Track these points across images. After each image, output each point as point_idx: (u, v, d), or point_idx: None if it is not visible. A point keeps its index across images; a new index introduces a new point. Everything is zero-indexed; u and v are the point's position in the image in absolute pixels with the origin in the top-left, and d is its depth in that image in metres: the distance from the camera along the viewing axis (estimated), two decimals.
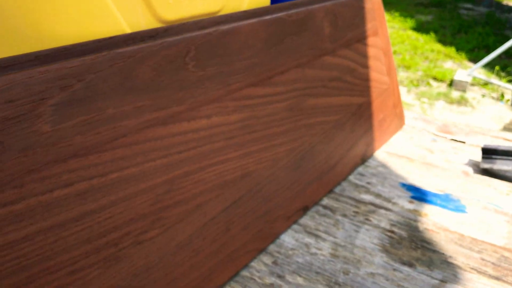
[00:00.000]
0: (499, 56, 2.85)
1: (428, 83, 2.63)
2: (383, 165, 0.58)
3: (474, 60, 2.95)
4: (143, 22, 0.33)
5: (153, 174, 0.31)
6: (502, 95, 2.46)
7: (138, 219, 0.31)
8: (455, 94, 2.50)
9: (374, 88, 0.60)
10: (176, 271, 0.33)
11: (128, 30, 0.32)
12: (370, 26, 0.59)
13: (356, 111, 0.56)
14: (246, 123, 0.39)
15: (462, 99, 2.43)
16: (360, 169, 0.57)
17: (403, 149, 0.62)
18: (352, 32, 0.55)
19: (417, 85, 2.61)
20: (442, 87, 2.59)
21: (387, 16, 4.08)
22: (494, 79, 2.58)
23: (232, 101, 0.38)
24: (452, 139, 0.65)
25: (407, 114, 0.73)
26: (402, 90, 2.55)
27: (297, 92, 0.45)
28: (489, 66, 2.79)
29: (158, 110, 0.32)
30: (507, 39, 3.17)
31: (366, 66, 0.58)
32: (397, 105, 0.66)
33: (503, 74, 2.74)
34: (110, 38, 0.29)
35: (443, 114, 2.30)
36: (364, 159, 0.58)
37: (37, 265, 0.25)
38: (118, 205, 0.29)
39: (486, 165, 0.56)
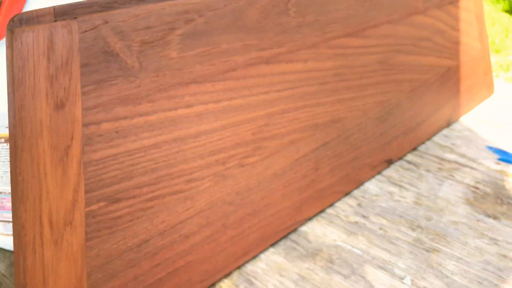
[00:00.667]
0: None
1: None
2: (469, 130, 0.57)
3: None
4: None
5: (255, 107, 0.35)
6: None
7: (242, 144, 0.34)
8: None
9: (464, 53, 0.60)
10: (271, 197, 0.37)
11: None
12: None
13: (444, 73, 0.56)
14: (339, 71, 0.42)
15: None
16: (445, 131, 0.57)
17: (491, 115, 0.61)
18: None
19: (507, 70, 2.45)
20: None
21: None
22: None
23: (328, 48, 0.40)
24: None
25: (498, 82, 0.71)
26: None
27: (388, 47, 0.47)
28: None
29: (262, 49, 0.35)
30: None
31: (457, 29, 0.58)
32: (487, 72, 0.65)
33: None
34: None
35: None
36: (449, 122, 0.58)
37: (163, 169, 0.30)
38: (227, 130, 0.33)
39: None
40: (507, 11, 3.38)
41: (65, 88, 0.25)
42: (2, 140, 0.31)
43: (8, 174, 0.33)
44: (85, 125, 0.26)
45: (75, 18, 0.25)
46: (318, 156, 0.41)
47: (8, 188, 0.33)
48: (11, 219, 0.34)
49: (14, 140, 0.24)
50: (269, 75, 0.36)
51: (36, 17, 0.24)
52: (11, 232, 0.35)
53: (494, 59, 2.62)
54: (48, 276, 0.26)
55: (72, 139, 0.26)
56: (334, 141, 0.42)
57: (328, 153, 0.42)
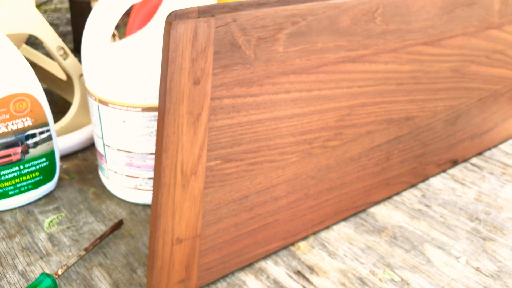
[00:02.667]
0: None
1: None
2: None
3: None
4: None
5: (340, 98, 0.41)
6: None
7: (326, 129, 0.41)
8: None
9: None
10: (346, 177, 0.43)
11: None
12: None
13: None
14: (415, 74, 0.47)
15: None
16: None
17: None
18: None
19: None
20: None
21: None
22: None
23: (406, 54, 0.46)
24: None
25: None
26: None
27: (462, 57, 0.51)
28: None
29: (350, 50, 0.41)
30: None
31: None
32: None
33: None
34: None
35: None
36: None
37: (263, 141, 0.37)
38: (315, 115, 0.40)
39: None
40: None
41: (201, 69, 0.33)
42: (140, 109, 0.40)
43: (140, 137, 0.41)
44: (212, 99, 0.34)
45: (213, 16, 0.33)
46: (390, 147, 0.46)
47: (138, 149, 0.42)
48: (136, 175, 0.43)
49: (164, 104, 0.32)
50: (354, 72, 0.42)
51: (186, 13, 0.32)
52: (133, 186, 0.44)
53: None
54: (175, 211, 0.33)
55: (202, 108, 0.33)
56: (406, 136, 0.48)
57: (400, 146, 0.47)
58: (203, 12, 0.33)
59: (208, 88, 0.33)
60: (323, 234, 0.42)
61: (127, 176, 0.43)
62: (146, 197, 0.44)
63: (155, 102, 0.40)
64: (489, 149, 0.58)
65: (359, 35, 0.42)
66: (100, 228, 0.42)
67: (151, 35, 0.42)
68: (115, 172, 0.44)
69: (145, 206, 0.45)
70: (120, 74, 0.39)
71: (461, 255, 0.40)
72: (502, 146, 0.59)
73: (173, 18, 0.32)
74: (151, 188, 0.43)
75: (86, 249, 0.38)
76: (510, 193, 0.49)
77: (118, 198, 0.46)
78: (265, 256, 0.39)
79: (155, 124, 0.41)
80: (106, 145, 0.43)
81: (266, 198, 0.38)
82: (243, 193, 0.37)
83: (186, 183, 0.34)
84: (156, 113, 0.40)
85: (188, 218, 0.34)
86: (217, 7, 0.34)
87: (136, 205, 0.45)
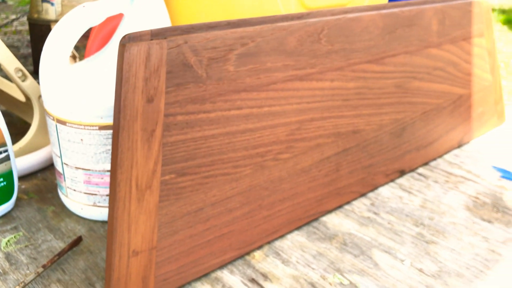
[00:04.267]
0: None
1: None
2: (478, 151, 0.65)
3: None
4: (294, 8, 0.46)
5: (289, 113, 0.44)
6: None
7: (278, 143, 0.43)
8: None
9: (476, 83, 0.67)
10: (298, 188, 0.46)
11: (283, 12, 0.46)
12: (476, 28, 0.66)
13: (456, 100, 0.64)
14: (360, 90, 0.50)
15: None
16: (456, 151, 0.64)
17: (502, 140, 0.68)
18: (458, 31, 0.63)
19: None
20: None
21: (500, 18, 3.86)
22: None
23: (351, 72, 0.49)
24: None
25: (510, 113, 0.77)
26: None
27: (404, 74, 0.55)
28: None
29: (298, 69, 0.44)
30: None
31: (469, 62, 0.66)
32: (498, 102, 0.72)
33: None
34: (273, 16, 0.43)
35: None
36: (460, 144, 0.65)
37: (217, 155, 0.39)
38: (266, 130, 0.42)
39: None
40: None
41: (154, 87, 0.35)
42: (97, 127, 0.41)
43: (98, 155, 0.42)
44: (165, 115, 0.36)
45: (165, 38, 0.35)
46: (339, 159, 0.49)
47: (96, 166, 0.43)
48: (94, 193, 0.44)
49: (118, 121, 0.33)
50: (301, 90, 0.45)
51: (139, 36, 0.34)
52: (92, 203, 0.45)
53: (508, 83, 2.63)
54: (131, 224, 0.35)
55: (156, 124, 0.35)
56: (353, 148, 0.51)
57: (348, 158, 0.50)
58: (156, 34, 0.35)
59: (161, 105, 0.35)
60: (277, 243, 0.44)
61: (85, 194, 0.44)
62: (104, 214, 0.45)
63: (110, 121, 0.41)
64: (434, 159, 0.62)
65: (306, 55, 0.45)
66: (59, 245, 0.43)
67: (107, 56, 0.43)
68: (74, 190, 0.44)
69: (104, 222, 0.46)
70: (78, 94, 0.41)
71: (406, 258, 0.43)
72: (446, 156, 0.63)
73: (127, 41, 0.34)
74: None
75: (44, 266, 0.38)
76: (452, 199, 0.53)
77: (78, 216, 0.47)
78: (221, 266, 0.41)
79: (111, 141, 0.42)
80: (65, 163, 0.43)
81: (221, 210, 0.40)
82: (198, 206, 0.38)
83: (141, 197, 0.35)
84: (112, 131, 0.42)
85: (143, 231, 0.35)
86: (170, 29, 0.36)
87: (95, 221, 0.46)
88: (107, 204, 0.44)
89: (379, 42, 0.52)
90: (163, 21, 0.44)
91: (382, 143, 0.54)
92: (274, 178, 0.44)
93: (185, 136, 0.37)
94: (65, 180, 0.44)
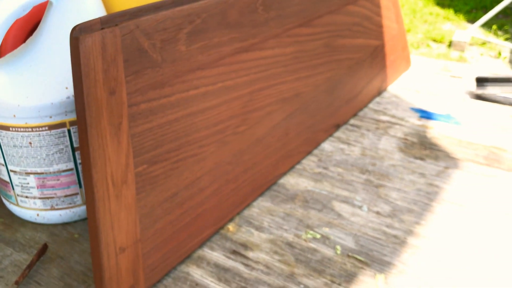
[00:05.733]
0: (496, 16, 2.94)
1: (428, 45, 2.74)
2: (396, 96, 0.71)
3: (472, 21, 3.04)
4: None
5: (241, 86, 0.45)
6: (500, 53, 2.58)
7: (234, 117, 0.44)
8: (454, 54, 2.61)
9: (386, 33, 0.73)
10: (256, 157, 0.47)
11: None
12: None
13: (373, 51, 0.69)
14: (296, 55, 0.52)
15: (461, 58, 2.55)
16: (377, 99, 0.70)
17: (411, 83, 0.75)
18: None
19: (417, 48, 2.71)
20: (442, 48, 2.70)
21: None
22: (491, 38, 2.68)
23: (287, 37, 0.51)
24: (452, 75, 0.78)
25: (414, 58, 0.85)
26: None
27: (330, 33, 0.58)
28: (487, 26, 2.89)
29: (242, 41, 0.45)
30: None
31: (379, 15, 0.71)
32: (405, 48, 0.79)
33: (500, 33, 2.84)
34: None
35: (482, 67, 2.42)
36: (380, 91, 0.71)
37: (183, 138, 0.39)
38: (223, 105, 0.43)
39: (479, 91, 0.69)
40: None
41: (114, 78, 0.33)
42: (46, 127, 0.38)
43: (50, 156, 0.39)
44: (129, 106, 0.34)
45: (116, 25, 0.33)
46: (287, 123, 0.51)
47: (50, 169, 0.40)
48: (51, 196, 0.41)
49: (84, 119, 0.32)
50: (248, 61, 0.46)
51: (90, 26, 0.32)
52: (49, 207, 0.42)
53: None
54: (114, 222, 0.34)
55: (122, 117, 0.34)
56: (297, 111, 0.53)
57: (294, 121, 0.52)
58: (106, 22, 0.33)
59: (124, 96, 0.34)
60: (246, 212, 0.46)
61: (40, 199, 0.41)
62: (65, 216, 0.42)
63: (62, 118, 0.39)
64: (361, 109, 0.67)
65: (247, 26, 0.45)
66: (23, 257, 0.40)
67: (40, 49, 0.40)
68: (26, 197, 0.41)
69: (64, 224, 0.44)
70: (19, 95, 0.37)
71: (362, 204, 0.47)
72: (370, 105, 0.68)
73: (79, 33, 0.31)
74: (69, 205, 0.42)
75: (16, 282, 0.36)
76: (386, 144, 0.58)
77: (33, 223, 0.44)
78: (201, 245, 0.41)
79: (64, 140, 0.39)
80: (12, 171, 0.40)
81: (193, 191, 0.40)
82: (173, 191, 0.38)
83: (119, 193, 0.34)
84: (64, 129, 0.39)
85: (126, 226, 0.35)
86: (118, 15, 0.34)
87: (55, 225, 0.43)
88: (66, 206, 0.42)
89: (307, 5, 0.54)
90: (94, 4, 0.41)
91: (319, 102, 0.57)
92: (236, 152, 0.44)
93: (151, 124, 0.36)
94: (13, 189, 0.41)
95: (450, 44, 2.70)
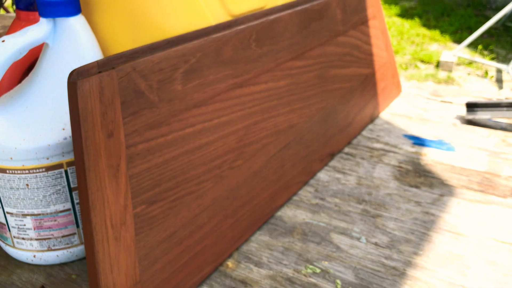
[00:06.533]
0: (481, 36, 3.01)
1: (416, 66, 2.79)
2: (388, 123, 0.72)
3: (458, 41, 3.10)
4: (221, 16, 0.47)
5: (236, 121, 0.45)
6: (486, 72, 2.62)
7: (230, 151, 0.44)
8: (442, 74, 2.65)
9: (376, 62, 0.74)
10: (254, 191, 0.47)
11: (213, 22, 0.46)
12: (369, 11, 0.73)
13: (363, 80, 0.70)
14: (290, 87, 0.53)
15: (449, 78, 2.59)
16: (370, 126, 0.71)
17: (403, 110, 0.76)
18: (357, 16, 0.69)
19: (406, 69, 2.76)
20: (430, 69, 2.75)
21: None
22: (478, 58, 2.74)
23: (280, 71, 0.51)
24: (442, 101, 0.79)
25: (404, 83, 0.87)
26: None
27: (322, 65, 0.59)
28: (473, 46, 2.95)
29: (236, 77, 0.45)
30: (488, 20, 3.32)
31: (369, 44, 0.72)
32: (395, 75, 0.80)
33: (486, 52, 2.90)
34: (206, 28, 0.43)
35: (471, 91, 2.45)
36: (372, 118, 0.72)
37: (180, 176, 0.39)
38: (219, 141, 0.43)
39: (470, 116, 0.70)
40: (399, 15, 3.78)
41: (112, 121, 0.33)
42: (43, 169, 0.38)
43: (48, 197, 0.39)
44: (127, 147, 0.35)
45: (113, 68, 0.34)
46: (282, 155, 0.52)
47: (47, 210, 0.40)
48: (48, 237, 0.41)
49: (83, 163, 0.32)
50: (243, 96, 0.46)
51: (87, 70, 0.32)
52: (46, 248, 0.41)
53: None
54: (113, 265, 0.33)
55: (120, 158, 0.34)
56: (292, 142, 0.53)
57: (289, 152, 0.53)
58: (103, 65, 0.33)
59: (121, 137, 0.34)
60: (245, 248, 0.46)
61: (37, 240, 0.41)
62: (62, 256, 0.42)
63: (59, 159, 0.38)
64: (355, 137, 0.67)
65: (241, 62, 0.46)
66: None
67: (36, 91, 0.40)
68: (23, 239, 0.41)
69: (61, 265, 0.43)
70: (15, 138, 0.37)
71: (360, 235, 0.47)
72: (364, 133, 0.69)
73: (77, 77, 0.32)
74: (67, 246, 0.42)
75: None
76: (381, 172, 0.59)
77: (30, 264, 0.43)
78: (201, 283, 0.41)
79: (61, 180, 0.39)
80: (8, 213, 0.40)
81: (192, 229, 0.40)
82: (171, 230, 0.38)
83: (118, 235, 0.34)
84: (61, 170, 0.39)
85: (126, 268, 0.34)
86: (115, 58, 0.34)
87: (52, 266, 0.43)
88: (63, 246, 0.42)
89: (298, 39, 0.55)
90: (90, 46, 0.42)
91: (313, 132, 0.57)
92: (233, 186, 0.45)
93: (149, 164, 0.36)
94: (9, 230, 0.41)
95: (437, 65, 2.75)
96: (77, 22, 0.40)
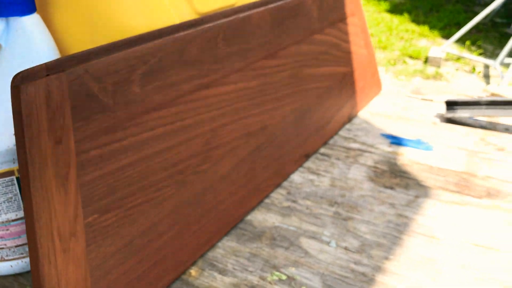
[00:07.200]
0: (470, 32, 3.01)
1: (405, 62, 2.78)
2: (366, 122, 0.71)
3: (447, 37, 3.10)
4: (187, 15, 0.45)
5: (202, 123, 0.43)
6: (474, 68, 2.62)
7: (195, 155, 0.43)
8: (431, 70, 2.65)
9: (355, 60, 0.73)
10: (220, 196, 0.46)
11: (178, 21, 0.44)
12: (348, 8, 0.71)
13: (342, 79, 0.68)
14: (262, 87, 0.51)
15: (437, 74, 2.58)
16: (348, 126, 0.69)
17: (382, 108, 0.75)
18: (335, 14, 0.67)
19: (394, 64, 2.75)
20: (418, 65, 2.74)
21: (362, 0, 4.21)
22: (466, 53, 2.74)
23: (251, 70, 0.50)
24: (423, 99, 0.78)
25: (385, 81, 0.86)
26: (380, 70, 2.69)
27: (296, 64, 0.58)
28: (461, 41, 2.95)
29: (202, 77, 0.44)
30: (476, 15, 3.32)
31: (347, 41, 0.70)
32: (374, 73, 0.79)
33: (473, 48, 2.90)
34: (169, 27, 0.41)
35: (453, 89, 2.45)
36: (350, 118, 0.71)
37: (138, 182, 0.37)
38: (182, 145, 0.41)
39: (449, 115, 0.69)
40: (388, 11, 3.77)
41: (61, 126, 0.32)
42: None
43: (0, 205, 0.38)
44: (77, 154, 0.33)
45: (63, 71, 0.32)
46: (253, 157, 0.50)
47: None
48: (0, 247, 0.39)
49: (27, 171, 0.30)
50: (209, 97, 0.44)
51: (33, 73, 0.31)
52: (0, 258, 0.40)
53: (382, 55, 2.92)
54: (61, 279, 0.32)
55: (69, 166, 0.32)
56: (264, 144, 0.52)
57: (261, 154, 0.51)
58: (52, 68, 0.32)
59: (71, 144, 0.32)
60: (210, 254, 0.44)
61: None
62: (16, 267, 0.40)
63: (9, 166, 0.37)
64: (332, 137, 0.66)
65: (207, 62, 0.44)
66: None
67: None
68: None
69: (15, 275, 0.41)
70: None
71: (330, 239, 0.46)
72: (341, 132, 0.68)
73: (20, 81, 0.30)
74: (21, 256, 0.40)
75: None
76: (356, 173, 0.57)
77: None
78: None
79: (13, 188, 0.38)
80: None
81: (150, 237, 0.38)
82: (127, 239, 0.37)
83: (66, 247, 0.32)
84: (12, 177, 0.37)
85: (75, 281, 0.33)
86: (66, 60, 0.33)
87: (5, 277, 0.41)
88: (17, 256, 0.40)
89: (270, 37, 0.53)
90: (46, 47, 0.40)
91: (287, 133, 0.56)
92: (197, 192, 0.43)
93: (102, 171, 0.35)
94: None
95: (426, 60, 2.74)
96: (31, 22, 0.38)
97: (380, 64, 2.75)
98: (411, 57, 2.84)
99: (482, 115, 0.68)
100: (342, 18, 0.69)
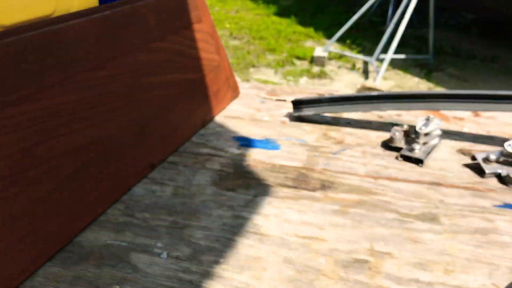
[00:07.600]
0: (351, 31, 3.21)
1: (292, 63, 2.89)
2: (220, 126, 0.72)
3: (330, 37, 3.28)
4: None
5: (7, 145, 0.41)
6: (354, 65, 2.81)
7: (0, 179, 0.40)
8: (316, 69, 2.79)
9: (205, 66, 0.73)
10: (40, 219, 0.43)
11: None
12: (193, 15, 0.72)
13: (191, 85, 0.69)
14: (88, 100, 0.49)
15: (322, 72, 2.73)
16: (201, 131, 0.70)
17: (237, 112, 0.76)
18: (177, 21, 0.67)
19: (283, 66, 2.85)
20: (305, 65, 2.87)
21: (251, 4, 4.32)
22: (346, 52, 2.92)
23: (73, 83, 0.48)
24: (277, 99, 0.81)
25: (244, 84, 0.88)
26: (270, 71, 2.77)
27: (132, 73, 0.57)
28: (342, 40, 3.14)
29: (6, 95, 0.41)
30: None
31: (194, 48, 0.71)
32: (230, 78, 0.81)
33: (354, 46, 3.11)
34: None
35: (307, 88, 2.56)
36: (204, 123, 0.71)
37: None
38: None
39: (296, 113, 0.72)
40: (276, 14, 3.91)
41: None
42: None
43: None
44: None
45: None
46: (81, 175, 0.48)
47: None
48: None
49: None
50: (16, 116, 0.42)
51: None
52: None
53: (272, 57, 3.01)
54: None
55: None
56: (95, 159, 0.50)
57: (90, 169, 0.49)
58: None
59: None
60: (28, 284, 0.41)
61: None
62: None
63: None
64: (182, 144, 0.66)
65: (12, 78, 0.41)
66: None
67: None
68: None
69: None
70: None
71: (162, 250, 0.45)
72: (193, 138, 0.68)
73: None
74: None
75: None
76: (200, 179, 0.57)
77: None
78: None
79: None
80: None
81: None
82: None
83: None
84: None
85: None
86: None
87: None
88: None
89: (96, 48, 0.51)
90: None
91: (124, 145, 0.55)
92: (4, 220, 0.40)
93: None
94: None
95: (312, 60, 2.88)
96: None
97: (270, 66, 2.84)
98: (298, 58, 2.96)
99: (324, 112, 0.72)
100: (187, 25, 0.69)
